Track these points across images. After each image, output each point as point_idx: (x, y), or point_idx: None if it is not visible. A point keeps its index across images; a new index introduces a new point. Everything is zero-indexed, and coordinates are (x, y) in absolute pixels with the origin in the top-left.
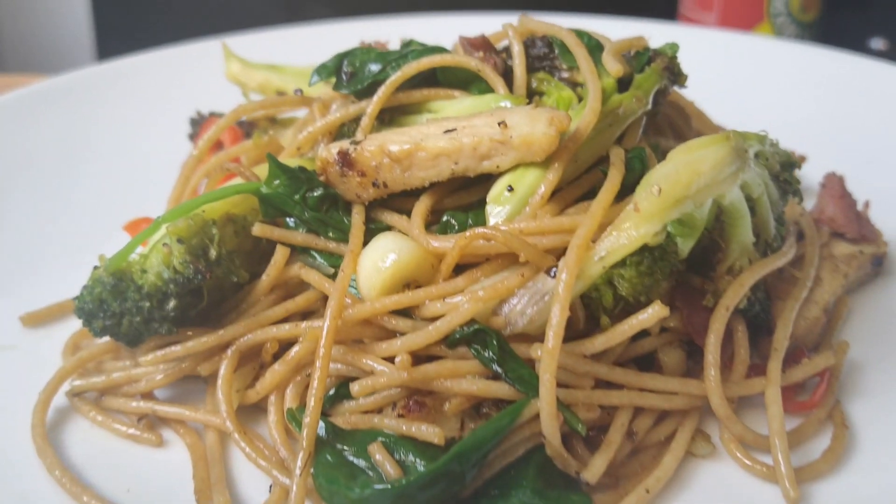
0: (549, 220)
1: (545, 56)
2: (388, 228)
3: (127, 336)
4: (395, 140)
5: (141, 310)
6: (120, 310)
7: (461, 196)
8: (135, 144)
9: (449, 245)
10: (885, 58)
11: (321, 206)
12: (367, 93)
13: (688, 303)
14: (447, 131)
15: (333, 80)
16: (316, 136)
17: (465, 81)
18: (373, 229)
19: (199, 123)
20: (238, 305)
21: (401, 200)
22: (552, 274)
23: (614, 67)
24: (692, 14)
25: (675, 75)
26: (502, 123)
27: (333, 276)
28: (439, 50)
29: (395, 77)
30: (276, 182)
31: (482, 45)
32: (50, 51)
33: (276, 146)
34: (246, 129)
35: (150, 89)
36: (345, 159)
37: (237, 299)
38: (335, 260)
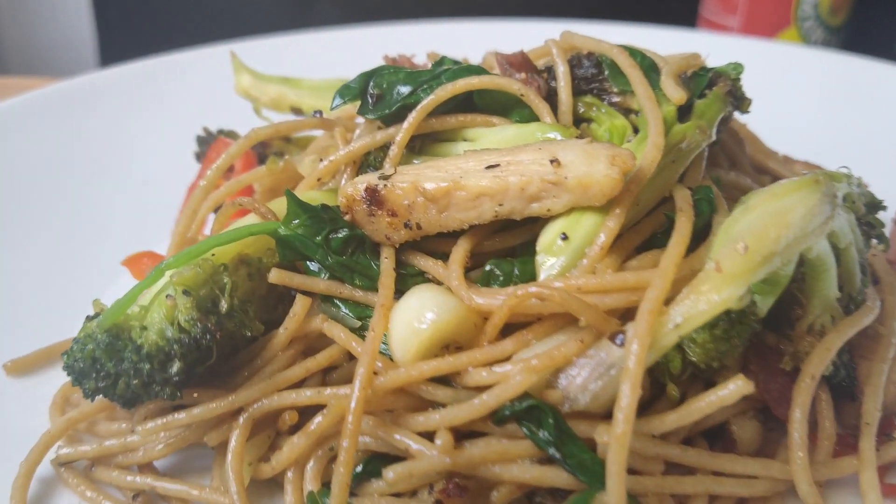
0: (611, 277)
1: (593, 77)
2: (421, 274)
3: (123, 398)
4: (431, 176)
5: (140, 372)
6: (115, 371)
7: (504, 238)
8: (136, 163)
9: (496, 303)
10: None
11: (346, 248)
12: (395, 118)
13: (763, 366)
14: (489, 167)
15: (358, 102)
16: (338, 165)
17: (505, 106)
18: (404, 275)
19: (206, 142)
20: (252, 360)
21: (435, 241)
22: (618, 342)
23: (676, 94)
24: (715, 17)
25: (738, 100)
26: (555, 161)
27: (360, 330)
28: (476, 70)
29: (428, 101)
30: (296, 222)
31: (522, 63)
32: (52, 53)
33: (292, 174)
34: (258, 149)
35: (153, 101)
36: (373, 197)
37: (251, 352)
38: (362, 310)
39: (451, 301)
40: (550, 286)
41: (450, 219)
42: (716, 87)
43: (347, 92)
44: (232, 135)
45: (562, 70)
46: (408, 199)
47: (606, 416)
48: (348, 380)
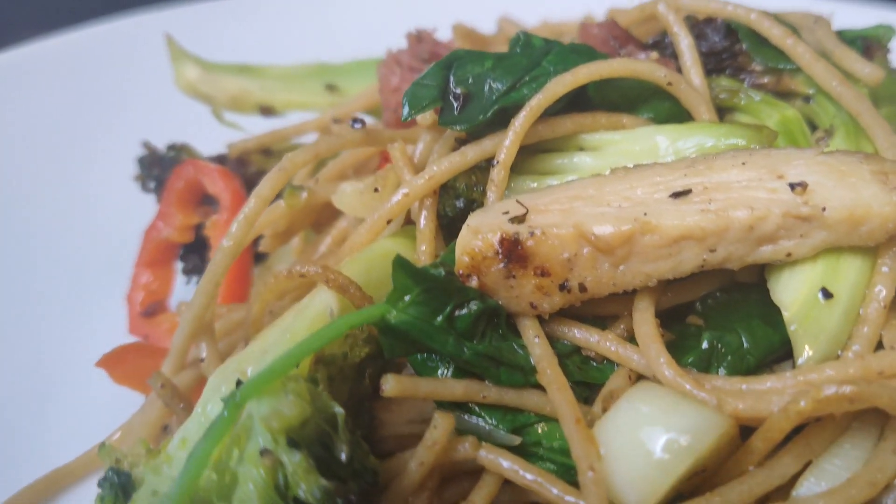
0: None
1: (725, 51)
2: (578, 352)
3: None
4: (594, 215)
5: None
6: None
7: (688, 288)
8: (49, 198)
9: (769, 409)
10: None
11: (476, 328)
12: (490, 125)
13: None
14: (676, 195)
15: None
16: (413, 199)
17: (632, 100)
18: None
19: (153, 164)
20: None
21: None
22: None
23: (874, 73)
24: None
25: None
26: (799, 186)
27: (525, 450)
28: (586, 52)
29: (539, 100)
30: (407, 298)
31: (627, 36)
32: None
33: (314, 208)
34: (236, 168)
35: (59, 99)
36: (513, 251)
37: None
38: (513, 418)
39: (699, 413)
40: (855, 377)
41: (630, 274)
42: (877, 58)
43: (423, 94)
44: (186, 150)
45: (686, 43)
46: (568, 250)
47: None
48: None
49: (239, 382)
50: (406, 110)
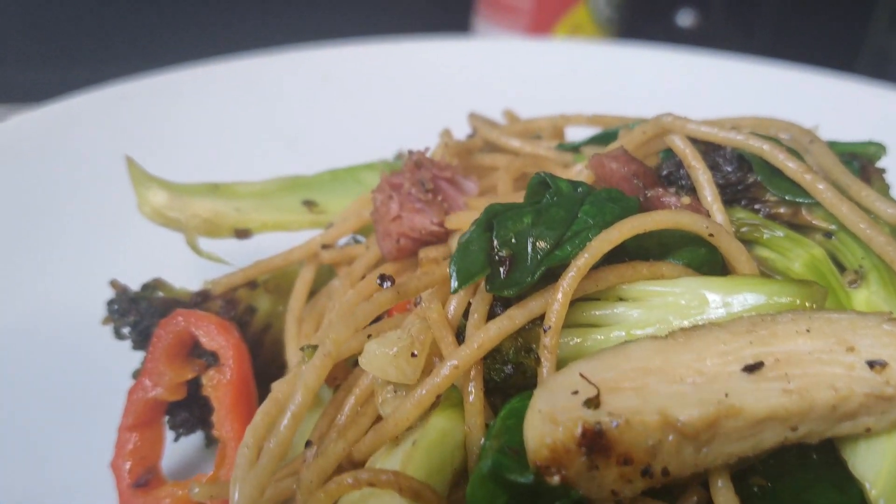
0: None
1: (739, 182)
2: None
3: None
4: (671, 396)
5: None
6: None
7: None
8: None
9: None
10: (694, 36)
11: None
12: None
13: None
14: (748, 368)
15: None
16: (462, 371)
17: (666, 246)
18: None
19: (123, 307)
20: None
21: None
22: None
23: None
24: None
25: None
26: (879, 364)
27: None
28: (622, 201)
29: (586, 261)
30: None
31: (645, 172)
32: None
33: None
34: (222, 309)
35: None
36: (596, 442)
37: None
38: None
39: None
40: None
41: (712, 455)
42: (874, 180)
43: (472, 261)
44: (161, 287)
45: (705, 178)
46: (652, 438)
47: None
48: None
49: None
50: (456, 283)
